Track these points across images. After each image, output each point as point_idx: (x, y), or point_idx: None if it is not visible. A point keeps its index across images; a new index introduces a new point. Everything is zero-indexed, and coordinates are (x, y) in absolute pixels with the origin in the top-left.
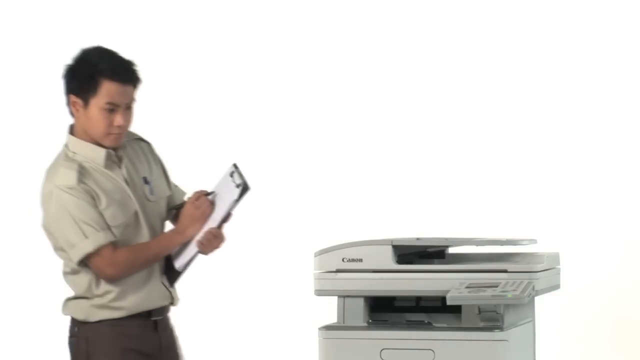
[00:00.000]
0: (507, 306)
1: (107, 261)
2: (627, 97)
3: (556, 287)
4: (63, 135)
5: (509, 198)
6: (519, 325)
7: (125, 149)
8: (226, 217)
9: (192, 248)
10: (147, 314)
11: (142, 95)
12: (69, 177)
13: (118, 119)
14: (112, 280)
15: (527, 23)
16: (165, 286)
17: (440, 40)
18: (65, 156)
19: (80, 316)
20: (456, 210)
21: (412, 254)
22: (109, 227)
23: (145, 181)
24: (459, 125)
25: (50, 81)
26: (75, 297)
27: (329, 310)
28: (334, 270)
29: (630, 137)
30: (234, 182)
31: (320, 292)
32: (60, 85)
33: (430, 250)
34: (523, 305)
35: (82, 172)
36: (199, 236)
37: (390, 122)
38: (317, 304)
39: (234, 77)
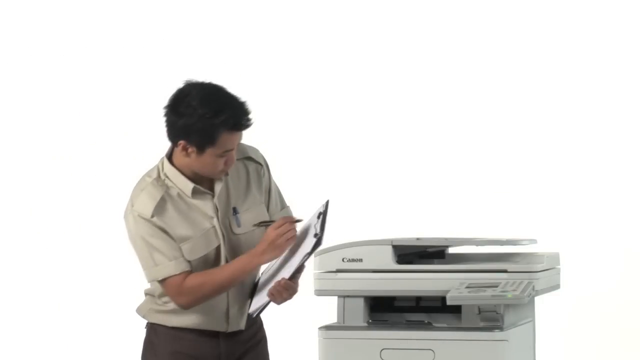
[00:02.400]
0: (507, 306)
1: (175, 290)
2: (627, 97)
3: (556, 287)
4: (62, 137)
5: (509, 198)
6: (519, 325)
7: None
8: (299, 269)
9: (264, 296)
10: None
11: (140, 97)
12: (147, 207)
13: (230, 160)
14: (184, 308)
15: (527, 23)
16: (228, 316)
17: (440, 40)
18: (157, 178)
19: (141, 313)
20: (456, 210)
21: (412, 254)
22: (182, 256)
23: (234, 211)
24: (459, 126)
25: (51, 81)
26: (147, 293)
27: (329, 310)
28: (334, 270)
29: (630, 137)
30: (315, 228)
31: (320, 292)
32: (58, 85)
33: (430, 250)
34: (523, 305)
35: (162, 205)
36: (270, 286)
37: (390, 123)
38: (317, 304)
39: (235, 77)
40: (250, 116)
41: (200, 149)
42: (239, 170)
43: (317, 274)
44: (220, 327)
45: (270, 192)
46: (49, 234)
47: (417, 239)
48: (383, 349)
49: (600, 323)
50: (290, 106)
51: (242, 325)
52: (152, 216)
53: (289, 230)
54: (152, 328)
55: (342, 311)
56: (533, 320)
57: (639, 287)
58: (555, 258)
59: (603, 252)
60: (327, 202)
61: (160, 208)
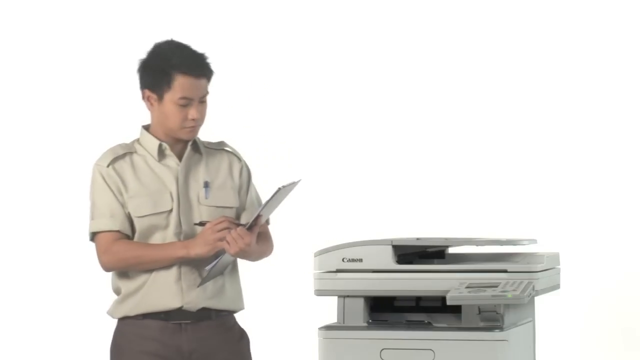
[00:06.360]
0: (507, 306)
1: (103, 248)
2: (627, 97)
3: (556, 287)
4: (62, 137)
5: (509, 198)
6: (519, 325)
7: (201, 151)
8: (256, 219)
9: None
10: (165, 315)
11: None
12: (105, 158)
13: (192, 113)
14: (104, 269)
15: (527, 23)
16: (182, 288)
17: (440, 40)
18: (128, 143)
19: (109, 312)
20: (456, 210)
21: (412, 254)
22: (126, 217)
23: (205, 185)
24: (458, 126)
25: (51, 81)
26: (113, 290)
27: (329, 310)
28: (334, 270)
29: (630, 137)
30: (282, 185)
31: (320, 292)
32: (58, 85)
33: (430, 250)
34: (523, 305)
35: (121, 158)
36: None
37: (390, 123)
38: (317, 304)
39: (236, 76)
40: (204, 67)
41: (160, 96)
42: (221, 158)
43: (317, 274)
44: (175, 302)
45: (241, 185)
46: (48, 234)
47: (417, 239)
48: (383, 349)
49: (600, 323)
50: (290, 107)
51: (202, 303)
52: (108, 165)
53: (223, 230)
54: (118, 330)
55: (342, 311)
56: (533, 320)
57: (638, 287)
58: (555, 258)
59: (603, 252)
60: (299, 181)
61: (119, 160)
